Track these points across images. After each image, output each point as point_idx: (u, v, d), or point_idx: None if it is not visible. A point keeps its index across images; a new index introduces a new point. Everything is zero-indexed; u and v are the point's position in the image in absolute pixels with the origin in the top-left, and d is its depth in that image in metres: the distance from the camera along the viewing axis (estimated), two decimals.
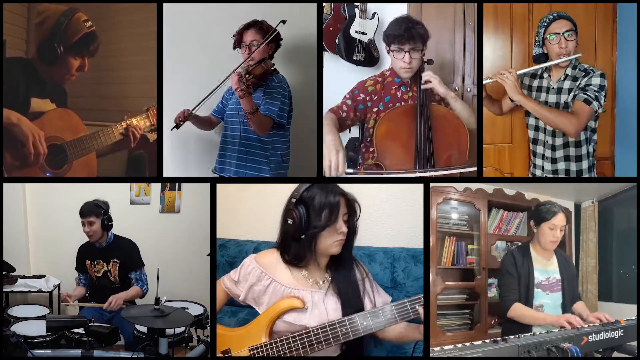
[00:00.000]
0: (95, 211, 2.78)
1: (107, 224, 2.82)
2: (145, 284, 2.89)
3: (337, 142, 2.36)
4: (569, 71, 2.54)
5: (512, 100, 2.66)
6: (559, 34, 2.46)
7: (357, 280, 1.97)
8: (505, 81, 2.49)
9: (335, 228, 1.86)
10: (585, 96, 2.40)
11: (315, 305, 1.91)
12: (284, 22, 2.49)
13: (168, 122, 2.75)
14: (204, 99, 2.54)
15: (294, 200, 1.87)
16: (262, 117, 2.51)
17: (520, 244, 2.72)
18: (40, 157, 2.38)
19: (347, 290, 1.92)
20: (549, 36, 2.48)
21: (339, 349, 1.95)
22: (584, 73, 2.50)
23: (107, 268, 2.86)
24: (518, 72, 2.52)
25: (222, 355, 1.98)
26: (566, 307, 2.48)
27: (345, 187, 1.96)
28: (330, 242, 1.88)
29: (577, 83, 2.49)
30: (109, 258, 2.85)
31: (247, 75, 2.38)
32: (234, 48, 2.65)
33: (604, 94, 2.43)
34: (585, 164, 2.56)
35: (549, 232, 2.46)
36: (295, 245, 1.91)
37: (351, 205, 1.92)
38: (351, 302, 1.90)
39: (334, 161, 2.31)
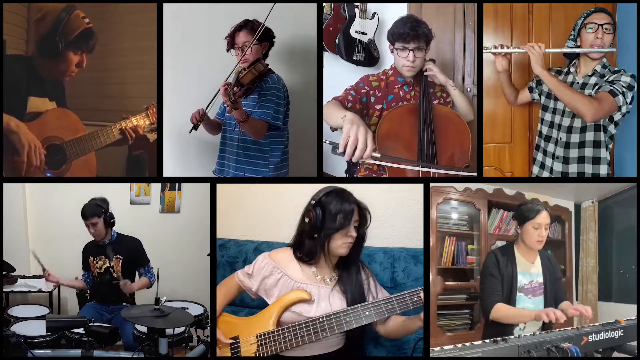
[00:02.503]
0: (96, 212, 2.80)
1: (109, 222, 2.84)
2: (153, 275, 2.89)
3: (358, 118, 2.04)
4: (598, 68, 2.46)
5: (531, 92, 2.64)
6: (598, 24, 2.39)
7: (362, 280, 2.10)
8: (532, 52, 2.42)
9: (346, 232, 2.01)
10: (612, 88, 2.30)
11: (321, 299, 2.03)
12: None
13: (168, 122, 2.75)
14: (214, 97, 2.52)
15: (313, 202, 2.03)
16: (255, 123, 2.49)
17: (504, 244, 2.63)
18: (33, 168, 2.40)
19: (353, 288, 2.05)
20: (587, 26, 2.40)
21: (343, 341, 2.06)
22: (613, 72, 2.42)
23: (110, 264, 2.87)
24: (548, 50, 2.46)
25: (224, 349, 2.05)
26: None
27: (346, 186, 2.08)
28: (340, 243, 2.02)
29: (605, 79, 2.41)
30: (111, 254, 2.87)
31: (234, 88, 2.32)
32: (227, 50, 2.63)
33: (631, 94, 2.33)
34: (604, 169, 2.43)
35: (533, 231, 2.38)
36: (308, 243, 2.05)
37: (363, 214, 2.06)
38: (356, 300, 2.02)
39: (361, 139, 1.91)
